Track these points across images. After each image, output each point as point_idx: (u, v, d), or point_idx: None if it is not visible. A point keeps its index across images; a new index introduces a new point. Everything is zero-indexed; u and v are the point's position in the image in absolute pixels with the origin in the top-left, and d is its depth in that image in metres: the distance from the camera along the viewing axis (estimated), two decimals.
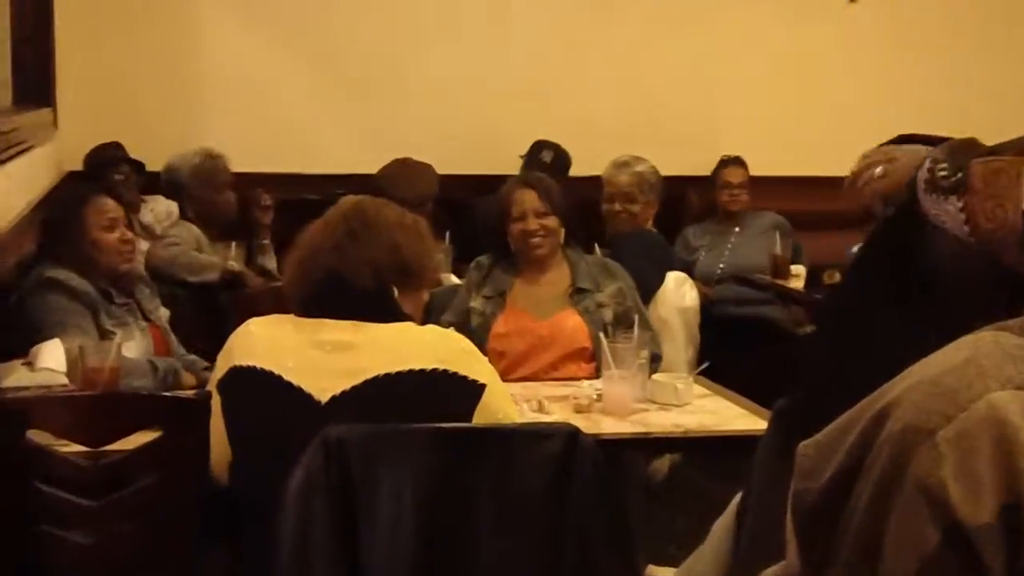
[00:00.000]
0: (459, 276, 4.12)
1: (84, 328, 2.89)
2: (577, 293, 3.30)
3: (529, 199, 3.31)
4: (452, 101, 5.32)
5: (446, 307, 3.41)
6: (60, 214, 3.10)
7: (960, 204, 1.47)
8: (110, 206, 3.09)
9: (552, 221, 3.29)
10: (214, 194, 4.47)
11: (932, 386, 1.07)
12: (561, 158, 5.04)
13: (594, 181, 4.46)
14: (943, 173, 1.50)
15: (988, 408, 1.03)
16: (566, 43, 5.41)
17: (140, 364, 2.89)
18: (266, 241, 4.61)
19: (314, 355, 2.04)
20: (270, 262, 4.54)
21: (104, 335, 2.89)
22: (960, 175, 1.47)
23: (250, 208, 4.62)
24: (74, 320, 2.89)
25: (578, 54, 5.42)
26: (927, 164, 1.54)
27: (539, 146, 5.04)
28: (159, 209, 4.54)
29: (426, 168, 4.67)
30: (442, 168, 4.80)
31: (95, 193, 3.14)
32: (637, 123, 5.37)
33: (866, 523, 1.07)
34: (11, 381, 2.55)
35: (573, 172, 5.06)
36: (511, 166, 4.95)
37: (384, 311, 2.10)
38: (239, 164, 4.74)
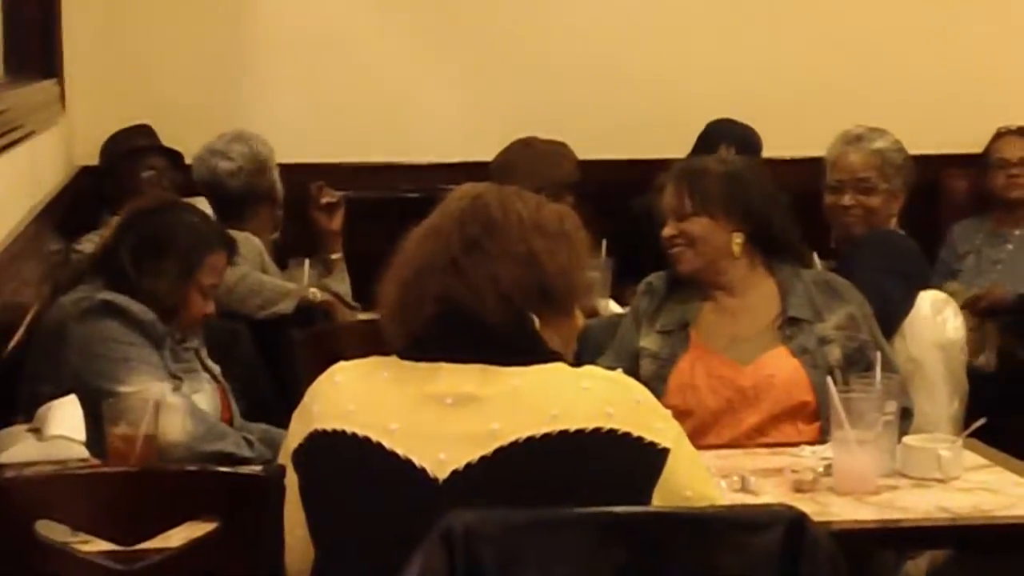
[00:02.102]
0: (621, 303, 4.11)
1: (155, 368, 2.96)
2: (790, 325, 3.29)
3: (668, 194, 3.37)
4: (602, 63, 5.35)
5: (603, 347, 3.42)
6: (166, 241, 3.14)
7: None
8: (221, 266, 3.22)
9: (698, 225, 3.31)
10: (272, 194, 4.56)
11: None
12: (748, 146, 4.97)
13: (806, 165, 4.42)
14: None
15: None
16: None
17: (226, 428, 2.99)
18: (336, 255, 4.66)
19: (427, 413, 2.06)
20: (341, 284, 4.58)
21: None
22: None
23: (309, 211, 4.65)
24: (140, 355, 2.97)
25: None
26: None
27: (715, 134, 4.98)
28: None
29: (558, 148, 4.70)
30: (589, 151, 4.80)
31: (220, 242, 3.24)
32: (868, 84, 5.34)
33: None
34: (13, 454, 2.63)
35: (779, 153, 5.02)
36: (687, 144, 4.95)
37: (522, 349, 2.11)
38: (302, 152, 4.81)
